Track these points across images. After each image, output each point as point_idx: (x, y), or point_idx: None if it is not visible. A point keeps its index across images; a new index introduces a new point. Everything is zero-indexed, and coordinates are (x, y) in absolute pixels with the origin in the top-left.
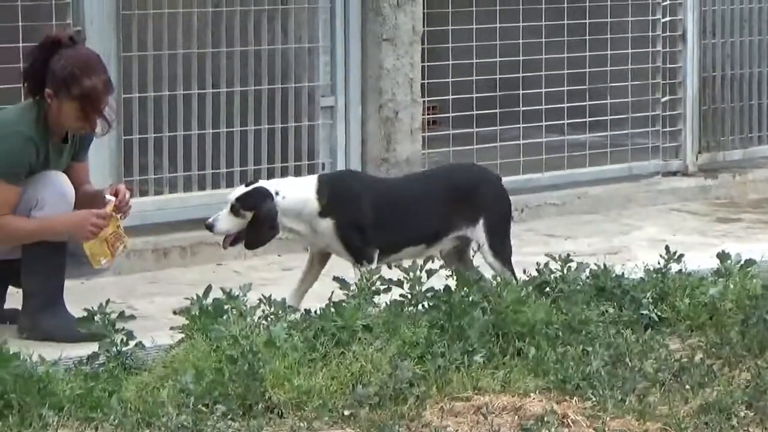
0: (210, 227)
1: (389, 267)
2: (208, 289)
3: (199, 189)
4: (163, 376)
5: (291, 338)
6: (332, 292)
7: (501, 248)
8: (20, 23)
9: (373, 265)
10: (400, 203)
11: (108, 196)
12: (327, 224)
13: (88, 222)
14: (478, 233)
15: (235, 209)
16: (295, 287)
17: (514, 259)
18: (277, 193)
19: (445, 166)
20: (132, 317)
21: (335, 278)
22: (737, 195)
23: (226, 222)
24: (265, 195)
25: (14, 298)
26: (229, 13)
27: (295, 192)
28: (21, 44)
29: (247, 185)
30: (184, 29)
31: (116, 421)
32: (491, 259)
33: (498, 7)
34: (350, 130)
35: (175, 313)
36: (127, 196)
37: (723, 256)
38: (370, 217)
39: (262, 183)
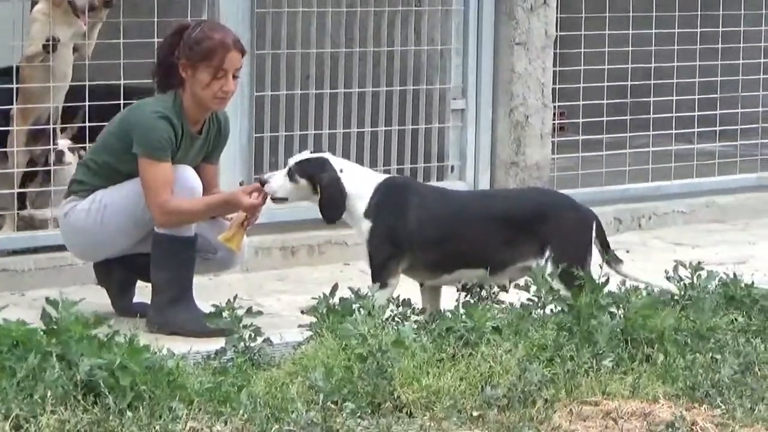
0: (263, 183)
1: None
2: (335, 287)
3: None
4: (292, 373)
5: (420, 338)
6: (460, 293)
7: (572, 281)
8: (155, 18)
9: (386, 294)
10: (451, 220)
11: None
12: (365, 227)
13: (240, 198)
14: (545, 266)
15: (291, 173)
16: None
17: (641, 265)
18: (341, 171)
19: (515, 189)
20: (259, 313)
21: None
22: None
23: (278, 182)
24: (324, 164)
25: (144, 291)
26: (363, 13)
27: (357, 178)
28: (156, 40)
29: (312, 152)
30: (318, 28)
31: (246, 416)
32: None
33: (631, 14)
34: (480, 133)
35: (302, 312)
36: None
37: None
38: (411, 229)
39: (327, 155)
